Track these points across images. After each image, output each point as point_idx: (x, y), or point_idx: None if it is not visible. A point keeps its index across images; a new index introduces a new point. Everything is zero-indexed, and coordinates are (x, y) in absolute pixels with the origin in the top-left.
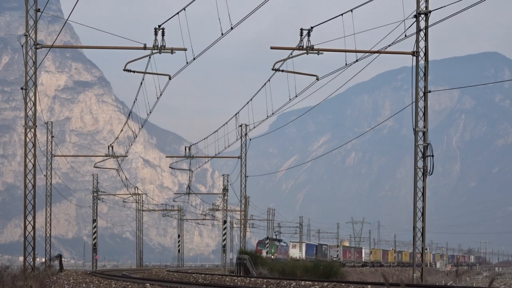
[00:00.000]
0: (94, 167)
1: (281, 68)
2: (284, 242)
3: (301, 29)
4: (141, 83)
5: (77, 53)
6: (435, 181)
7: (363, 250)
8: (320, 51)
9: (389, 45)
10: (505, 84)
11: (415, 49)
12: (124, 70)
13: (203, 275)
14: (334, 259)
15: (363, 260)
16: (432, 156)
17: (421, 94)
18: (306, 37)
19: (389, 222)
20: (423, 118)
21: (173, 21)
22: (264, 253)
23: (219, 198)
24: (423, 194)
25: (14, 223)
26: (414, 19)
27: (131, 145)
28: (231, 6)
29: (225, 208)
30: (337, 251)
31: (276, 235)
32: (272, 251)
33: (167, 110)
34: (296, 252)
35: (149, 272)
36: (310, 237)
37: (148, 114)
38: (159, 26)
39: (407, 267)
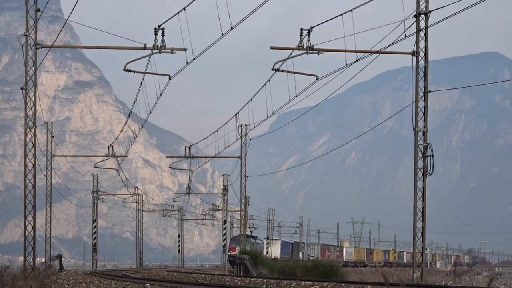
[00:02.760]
0: (94, 167)
1: (281, 68)
2: (260, 240)
3: (301, 29)
4: (141, 83)
5: (77, 53)
6: (435, 181)
7: (344, 249)
8: (320, 51)
9: (389, 45)
10: (505, 84)
11: (415, 49)
12: (124, 70)
13: (203, 275)
14: (312, 258)
15: (344, 260)
16: (432, 156)
17: (421, 94)
18: (306, 37)
19: (389, 222)
20: (423, 118)
21: (173, 21)
22: (238, 252)
23: (219, 198)
24: (423, 194)
25: (14, 223)
26: (414, 19)
27: (131, 145)
28: (231, 6)
29: (225, 208)
30: (314, 249)
31: (251, 231)
32: (248, 249)
33: (167, 110)
34: (270, 251)
35: (149, 272)
36: (310, 237)
37: (148, 114)
38: (159, 26)
39: (396, 267)
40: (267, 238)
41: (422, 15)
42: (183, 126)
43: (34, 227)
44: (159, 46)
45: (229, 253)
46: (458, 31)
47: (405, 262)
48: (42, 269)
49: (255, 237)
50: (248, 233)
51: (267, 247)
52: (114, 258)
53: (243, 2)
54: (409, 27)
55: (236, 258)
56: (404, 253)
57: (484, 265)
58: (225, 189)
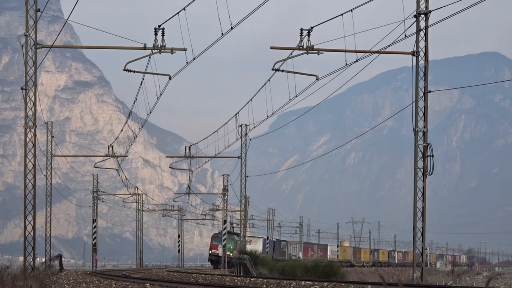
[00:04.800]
0: (94, 167)
1: (281, 68)
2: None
3: (301, 29)
4: (141, 83)
5: (77, 53)
6: (435, 181)
7: (328, 248)
8: (320, 51)
9: (389, 45)
10: (505, 84)
11: (415, 49)
12: (124, 70)
13: (203, 275)
14: (293, 257)
15: (328, 259)
16: (432, 156)
17: (421, 94)
18: (306, 37)
19: (389, 222)
20: (423, 118)
21: (173, 21)
22: (220, 250)
23: (219, 198)
24: (423, 194)
25: (14, 223)
26: (414, 19)
27: (131, 145)
28: (231, 6)
29: (225, 208)
30: (296, 247)
31: (233, 228)
32: (231, 247)
33: (167, 110)
34: (252, 249)
35: (149, 272)
36: (310, 237)
37: (148, 114)
38: (159, 26)
39: (385, 267)
40: (267, 238)
41: (422, 15)
42: (183, 126)
43: (34, 227)
44: (159, 46)
45: (210, 252)
46: (458, 31)
47: (396, 262)
48: (42, 269)
49: (238, 234)
50: (230, 229)
51: (271, 245)
52: (114, 258)
53: (243, 2)
54: (409, 27)
55: (219, 257)
56: (395, 252)
57: (484, 265)
58: (225, 189)
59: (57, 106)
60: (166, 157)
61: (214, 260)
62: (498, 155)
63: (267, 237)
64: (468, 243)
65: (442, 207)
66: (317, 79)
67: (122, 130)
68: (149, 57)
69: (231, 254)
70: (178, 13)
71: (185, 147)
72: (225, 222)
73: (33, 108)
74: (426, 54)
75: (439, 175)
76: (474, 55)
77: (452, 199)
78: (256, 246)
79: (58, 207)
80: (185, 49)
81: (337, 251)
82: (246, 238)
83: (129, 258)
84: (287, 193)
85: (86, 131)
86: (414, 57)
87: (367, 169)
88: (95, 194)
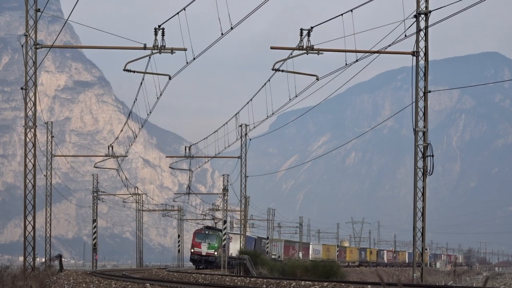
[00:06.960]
0: (94, 167)
1: (281, 68)
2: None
3: (301, 29)
4: (141, 83)
5: (77, 53)
6: (435, 181)
7: (311, 246)
8: (320, 51)
9: (389, 45)
10: (505, 84)
11: (415, 49)
12: (124, 70)
13: (203, 275)
14: (273, 256)
15: (310, 259)
16: (432, 156)
17: (421, 94)
18: (306, 37)
19: (389, 222)
20: (423, 118)
21: (173, 21)
22: (204, 248)
23: (219, 198)
24: (423, 194)
25: (14, 223)
26: (414, 19)
27: (131, 145)
28: (231, 6)
29: (225, 208)
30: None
31: (215, 223)
32: (216, 245)
33: (167, 110)
34: (233, 246)
35: (149, 272)
36: (310, 237)
37: (148, 114)
38: (159, 26)
39: (373, 267)
40: (267, 238)
41: (422, 15)
42: (183, 126)
43: (34, 227)
44: (159, 46)
45: (192, 250)
46: (458, 31)
47: (385, 261)
48: (42, 269)
49: (221, 230)
50: (213, 225)
51: (251, 243)
52: (114, 258)
53: (243, 2)
54: (409, 27)
55: (202, 256)
56: (385, 251)
57: (484, 265)
58: (225, 189)
59: (57, 106)
60: (166, 157)
61: (197, 259)
62: (498, 155)
63: (267, 237)
64: (468, 243)
65: (442, 207)
66: (317, 79)
67: (122, 130)
68: (149, 57)
69: (215, 253)
70: (178, 13)
71: (185, 147)
72: (225, 222)
73: (33, 108)
74: (426, 54)
75: (439, 175)
76: (474, 55)
77: (452, 199)
78: (237, 243)
79: (58, 207)
80: (185, 49)
81: (320, 250)
82: (228, 235)
83: (129, 258)
84: (287, 193)
85: (86, 131)
86: (414, 57)
87: (367, 169)
88: (95, 194)
